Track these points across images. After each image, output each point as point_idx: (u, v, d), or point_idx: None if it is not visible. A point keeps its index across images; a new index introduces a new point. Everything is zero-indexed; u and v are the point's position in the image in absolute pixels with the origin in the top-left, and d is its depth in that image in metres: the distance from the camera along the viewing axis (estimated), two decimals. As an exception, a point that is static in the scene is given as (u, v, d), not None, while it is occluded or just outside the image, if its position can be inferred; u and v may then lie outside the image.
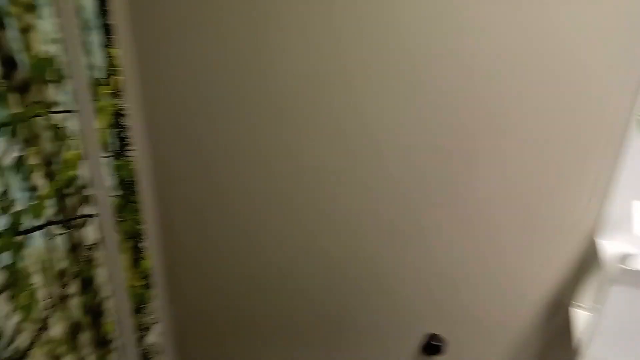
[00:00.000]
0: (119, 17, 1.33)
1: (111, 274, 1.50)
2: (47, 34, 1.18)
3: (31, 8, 1.14)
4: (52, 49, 1.20)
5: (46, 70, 1.19)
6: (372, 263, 1.64)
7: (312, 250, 1.65)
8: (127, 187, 1.51)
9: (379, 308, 1.71)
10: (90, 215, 1.40)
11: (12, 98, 1.11)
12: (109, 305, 1.51)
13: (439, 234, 1.54)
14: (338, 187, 1.54)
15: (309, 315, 1.79)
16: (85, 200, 1.38)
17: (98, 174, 1.40)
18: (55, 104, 1.24)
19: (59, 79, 1.23)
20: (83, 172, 1.35)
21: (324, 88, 1.39)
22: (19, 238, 1.16)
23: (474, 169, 1.42)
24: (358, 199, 1.54)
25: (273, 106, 1.45)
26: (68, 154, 1.30)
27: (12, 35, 1.09)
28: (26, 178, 1.17)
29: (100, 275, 1.46)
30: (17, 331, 1.17)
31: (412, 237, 1.56)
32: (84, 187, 1.37)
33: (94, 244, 1.42)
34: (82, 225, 1.39)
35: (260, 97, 1.45)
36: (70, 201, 1.33)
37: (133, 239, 1.58)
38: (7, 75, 1.09)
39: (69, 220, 1.33)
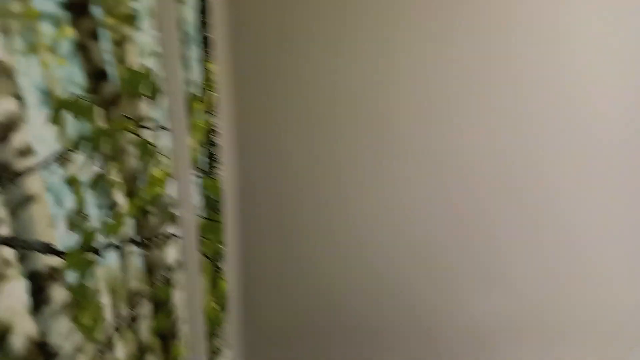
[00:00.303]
0: (218, 30, 1.21)
1: (189, 297, 1.39)
2: (144, 46, 1.09)
3: (129, 19, 1.04)
4: (148, 62, 1.10)
5: (139, 84, 1.10)
6: (463, 306, 1.39)
7: (403, 288, 1.43)
8: (212, 206, 1.39)
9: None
10: (172, 235, 1.30)
11: (99, 112, 1.02)
12: (183, 328, 1.40)
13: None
14: (434, 216, 1.30)
15: (395, 351, 1.57)
16: (169, 219, 1.28)
17: (185, 193, 1.30)
18: (146, 119, 1.14)
19: (152, 93, 1.13)
20: (169, 190, 1.25)
21: (405, 112, 1.17)
22: (90, 256, 1.08)
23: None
24: (445, 229, 1.30)
25: (367, 132, 1.25)
26: (155, 171, 1.20)
27: (106, 46, 1.00)
28: (106, 195, 1.09)
29: (176, 297, 1.35)
30: (78, 351, 1.08)
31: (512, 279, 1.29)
32: (168, 205, 1.27)
33: (172, 265, 1.32)
34: (163, 244, 1.29)
35: (356, 122, 1.26)
36: (152, 220, 1.23)
37: (213, 260, 1.46)
38: (95, 89, 1.00)
39: (148, 239, 1.23)
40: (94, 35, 0.95)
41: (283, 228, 1.50)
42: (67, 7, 0.88)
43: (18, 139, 0.92)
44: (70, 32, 0.90)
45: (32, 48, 0.87)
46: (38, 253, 0.98)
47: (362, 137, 1.31)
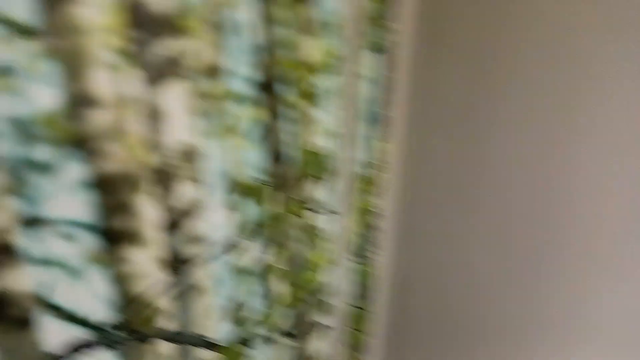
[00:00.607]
0: (398, 109, 1.07)
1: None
2: (324, 125, 0.97)
3: (312, 97, 0.93)
4: (326, 142, 0.98)
5: (315, 166, 0.97)
6: None
7: None
8: (364, 294, 1.23)
9: None
10: (321, 325, 1.15)
11: (275, 196, 0.90)
12: None
13: None
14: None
15: None
16: (323, 308, 1.13)
17: (342, 280, 1.15)
18: (314, 201, 1.01)
19: (326, 174, 1.01)
20: (326, 276, 1.10)
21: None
22: (244, 349, 0.94)
23: None
24: None
25: (545, 229, 1.04)
26: (314, 257, 1.06)
27: (287, 127, 0.89)
28: (268, 283, 0.96)
29: (318, 391, 1.19)
30: None
31: None
32: (323, 292, 1.12)
33: (318, 357, 1.16)
34: (310, 334, 1.13)
35: (536, 220, 1.06)
36: (307, 309, 1.08)
37: (356, 351, 1.28)
38: (274, 171, 0.89)
39: (300, 331, 1.09)
40: (276, 115, 0.83)
41: (435, 324, 1.30)
42: (255, 85, 0.77)
43: (191, 226, 0.81)
44: (255, 112, 0.78)
45: (218, 129, 0.77)
46: (196, 348, 0.86)
47: (540, 235, 1.11)
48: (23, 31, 0.54)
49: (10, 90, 0.56)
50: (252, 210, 0.87)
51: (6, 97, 0.57)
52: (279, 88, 0.84)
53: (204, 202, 0.81)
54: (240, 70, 0.78)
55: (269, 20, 0.80)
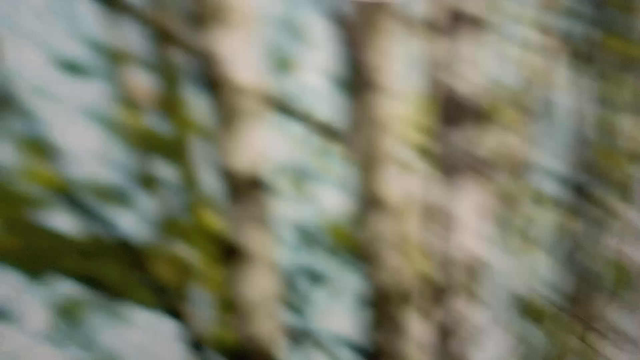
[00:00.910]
0: None
1: None
2: (635, 228, 0.72)
3: (625, 192, 0.70)
4: (634, 251, 0.73)
5: (617, 281, 0.74)
6: None
7: None
8: None
9: None
10: None
11: (559, 318, 0.69)
12: None
13: None
14: None
15: None
16: None
17: None
18: (609, 326, 0.77)
19: (628, 292, 0.76)
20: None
21: None
22: None
23: None
24: None
25: None
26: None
27: (589, 231, 0.68)
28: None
29: None
30: None
31: None
32: None
33: None
34: None
35: None
36: None
37: None
38: (572, 290, 0.68)
39: None
40: (584, 218, 0.62)
41: None
42: (562, 182, 0.58)
43: (460, 350, 0.65)
44: (557, 215, 0.59)
45: (510, 237, 0.59)
46: None
47: None
48: (324, 130, 0.45)
49: (301, 194, 0.48)
50: (536, 336, 0.67)
51: (296, 202, 0.49)
52: (590, 184, 0.64)
53: (480, 323, 0.64)
54: (547, 164, 0.60)
55: (592, 100, 0.60)
